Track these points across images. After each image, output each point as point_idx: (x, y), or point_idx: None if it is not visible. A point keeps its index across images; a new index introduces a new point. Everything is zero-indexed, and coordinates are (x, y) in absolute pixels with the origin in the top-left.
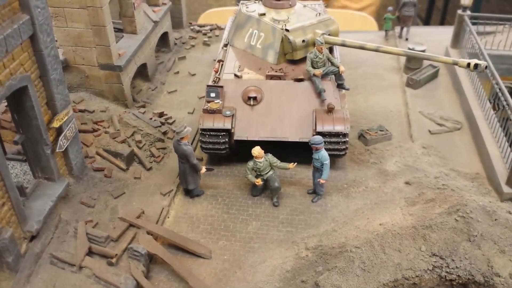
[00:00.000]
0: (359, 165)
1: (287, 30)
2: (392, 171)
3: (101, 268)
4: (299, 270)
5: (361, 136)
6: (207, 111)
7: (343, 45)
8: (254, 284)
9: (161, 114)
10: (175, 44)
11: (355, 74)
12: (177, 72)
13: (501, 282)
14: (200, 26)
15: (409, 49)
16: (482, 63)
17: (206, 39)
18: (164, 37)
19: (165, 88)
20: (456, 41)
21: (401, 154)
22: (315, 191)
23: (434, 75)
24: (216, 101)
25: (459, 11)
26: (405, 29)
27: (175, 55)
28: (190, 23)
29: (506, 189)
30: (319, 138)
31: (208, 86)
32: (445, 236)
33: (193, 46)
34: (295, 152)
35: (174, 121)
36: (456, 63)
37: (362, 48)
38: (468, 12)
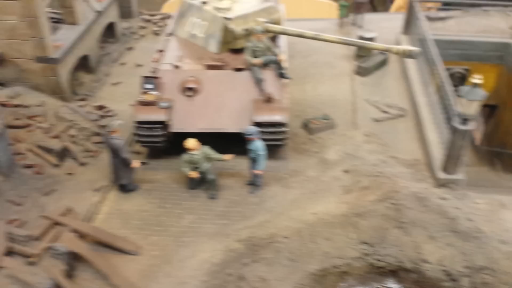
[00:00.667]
0: (301, 155)
1: (228, 19)
2: (332, 160)
3: (20, 268)
4: (227, 263)
5: (305, 125)
6: (142, 103)
7: (283, 33)
8: (179, 279)
9: (100, 107)
10: (124, 34)
11: (306, 62)
12: (124, 63)
13: (428, 267)
14: (151, 15)
15: (359, 36)
16: (414, 49)
17: (156, 28)
18: (110, 27)
19: (109, 80)
20: (408, 27)
21: (343, 142)
22: (253, 183)
23: (383, 62)
24: (151, 93)
25: None
26: (359, 16)
27: (122, 46)
28: (141, 13)
29: (441, 175)
30: (252, 128)
31: (143, 77)
32: (375, 224)
33: (142, 36)
34: (236, 143)
35: (115, 114)
36: (388, 50)
37: (301, 36)
38: None
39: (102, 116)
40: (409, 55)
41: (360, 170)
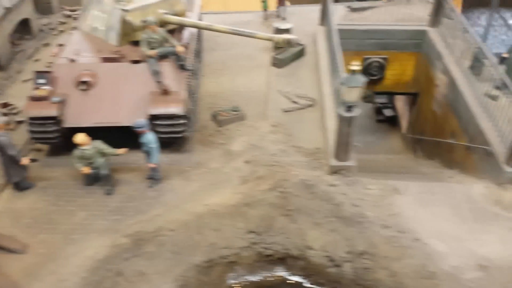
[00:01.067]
0: (207, 147)
1: (125, 11)
2: (236, 151)
3: None
4: (110, 258)
5: (214, 117)
6: (34, 99)
7: (181, 24)
8: (61, 276)
9: (5, 105)
10: (42, 30)
11: (226, 55)
12: (38, 60)
13: (313, 254)
14: (72, 10)
15: (275, 27)
16: (292, 37)
17: (77, 24)
18: (25, 23)
19: (21, 77)
20: (323, 18)
21: (250, 133)
22: (152, 177)
23: (300, 54)
24: (44, 88)
25: None
26: (281, 8)
27: (39, 42)
28: (62, 8)
29: (333, 162)
30: (142, 121)
31: (35, 72)
32: (263, 213)
33: (62, 31)
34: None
35: (20, 111)
36: (271, 39)
37: (196, 27)
38: None
39: (5, 114)
40: (288, 43)
41: (259, 160)
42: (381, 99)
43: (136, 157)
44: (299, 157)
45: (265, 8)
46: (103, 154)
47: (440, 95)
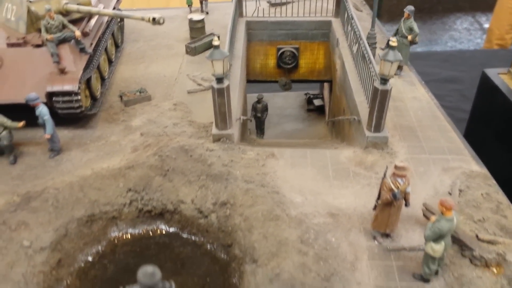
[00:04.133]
0: (110, 124)
1: (30, 1)
2: (136, 126)
3: None
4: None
5: (120, 98)
6: None
7: (78, 11)
8: None
9: None
10: None
11: (147, 45)
12: None
13: (186, 208)
14: None
15: (190, 18)
16: (158, 16)
17: None
18: None
19: None
20: (240, 11)
21: (152, 111)
22: (52, 148)
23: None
24: None
25: None
26: (204, 3)
27: None
28: None
29: (214, 131)
30: (33, 94)
31: None
32: (142, 174)
33: None
34: None
35: None
36: (143, 19)
37: (89, 13)
38: None
39: None
40: (157, 22)
41: (151, 132)
42: (314, 91)
43: (40, 133)
44: (190, 129)
45: (189, 4)
46: (4, 127)
47: (338, 78)
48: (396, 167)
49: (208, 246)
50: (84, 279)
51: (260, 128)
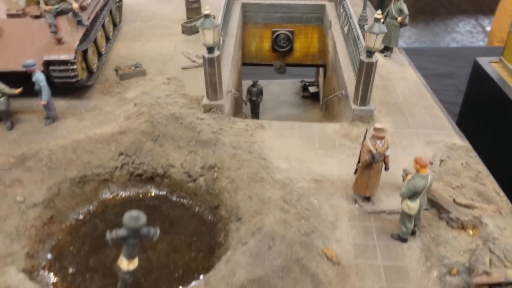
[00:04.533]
0: (105, 95)
1: None
2: (130, 98)
3: None
4: None
5: (116, 72)
6: None
7: None
8: None
9: None
10: None
11: (144, 25)
12: None
13: (175, 172)
14: None
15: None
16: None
17: None
18: None
19: None
20: None
21: (146, 85)
22: (48, 116)
23: None
24: None
25: None
26: None
27: None
28: None
29: (205, 101)
30: (30, 61)
31: None
32: (134, 139)
33: None
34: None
35: None
36: None
37: None
38: None
39: None
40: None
41: (145, 103)
42: (309, 79)
43: (36, 103)
44: (182, 100)
45: None
46: (2, 93)
47: (330, 60)
48: (375, 129)
49: (196, 209)
50: (75, 236)
51: (255, 112)
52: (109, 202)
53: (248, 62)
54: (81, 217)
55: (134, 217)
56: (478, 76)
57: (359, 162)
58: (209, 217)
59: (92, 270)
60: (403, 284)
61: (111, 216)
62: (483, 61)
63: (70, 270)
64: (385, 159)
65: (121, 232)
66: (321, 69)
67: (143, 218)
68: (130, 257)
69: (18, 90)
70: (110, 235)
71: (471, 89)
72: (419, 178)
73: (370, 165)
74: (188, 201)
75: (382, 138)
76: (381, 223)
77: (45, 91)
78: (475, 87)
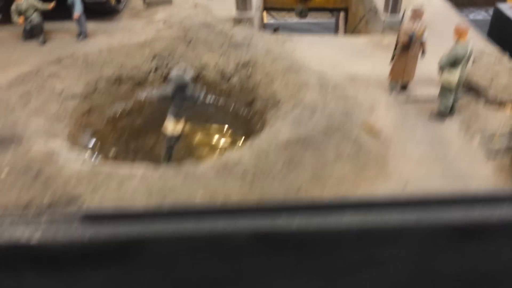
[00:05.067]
0: (133, 19)
1: None
2: (158, 19)
3: None
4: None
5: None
6: None
7: None
8: None
9: None
10: None
11: None
12: None
13: (208, 73)
14: None
15: None
16: None
17: None
18: None
19: None
20: None
21: (174, 9)
22: (80, 31)
23: None
24: None
25: None
26: None
27: None
28: None
29: (234, 14)
30: None
31: None
32: (166, 44)
33: None
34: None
35: None
36: None
37: None
38: None
39: None
40: None
41: (174, 21)
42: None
43: (67, 25)
44: (211, 18)
45: None
46: (35, 9)
47: None
48: (413, 10)
49: (232, 106)
50: (114, 127)
51: None
52: (145, 101)
53: (270, 7)
54: (118, 112)
55: (181, 71)
56: (499, 21)
57: (395, 49)
58: (245, 112)
59: (133, 154)
60: (444, 150)
61: (147, 112)
62: (504, 7)
63: (111, 153)
64: (422, 45)
65: (168, 87)
66: (341, 14)
67: (191, 72)
68: (177, 116)
69: (51, 5)
70: (157, 91)
71: (491, 35)
72: (460, 46)
73: (407, 49)
74: (223, 101)
75: (421, 16)
76: (418, 110)
77: (78, 4)
78: (496, 32)
